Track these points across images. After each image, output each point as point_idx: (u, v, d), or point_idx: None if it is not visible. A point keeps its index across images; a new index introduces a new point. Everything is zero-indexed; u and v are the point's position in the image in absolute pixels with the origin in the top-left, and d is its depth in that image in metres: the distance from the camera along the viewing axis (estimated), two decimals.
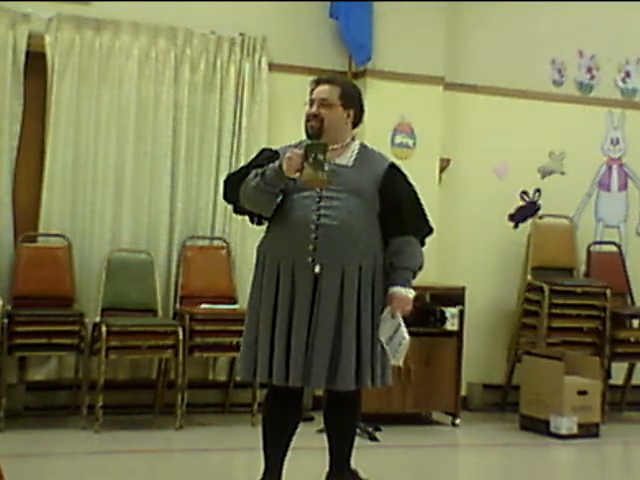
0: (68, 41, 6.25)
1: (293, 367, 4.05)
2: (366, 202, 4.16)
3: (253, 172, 4.12)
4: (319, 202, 4.10)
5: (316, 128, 4.16)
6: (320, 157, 3.93)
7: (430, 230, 4.36)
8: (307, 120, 4.20)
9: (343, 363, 4.06)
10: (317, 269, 4.08)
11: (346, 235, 4.10)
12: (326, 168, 3.96)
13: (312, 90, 4.26)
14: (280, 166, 4.02)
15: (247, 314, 4.23)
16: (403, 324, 4.20)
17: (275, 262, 4.13)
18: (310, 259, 4.08)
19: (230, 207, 4.46)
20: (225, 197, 4.35)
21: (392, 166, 4.28)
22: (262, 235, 4.30)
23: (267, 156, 4.21)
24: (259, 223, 4.28)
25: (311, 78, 4.38)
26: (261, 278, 4.17)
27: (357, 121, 4.29)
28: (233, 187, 4.22)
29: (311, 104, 4.21)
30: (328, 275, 4.08)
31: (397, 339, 4.16)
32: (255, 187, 4.07)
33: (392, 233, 4.22)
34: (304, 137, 4.23)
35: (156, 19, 6.43)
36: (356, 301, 4.11)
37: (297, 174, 4.00)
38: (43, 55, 6.21)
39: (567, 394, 6.25)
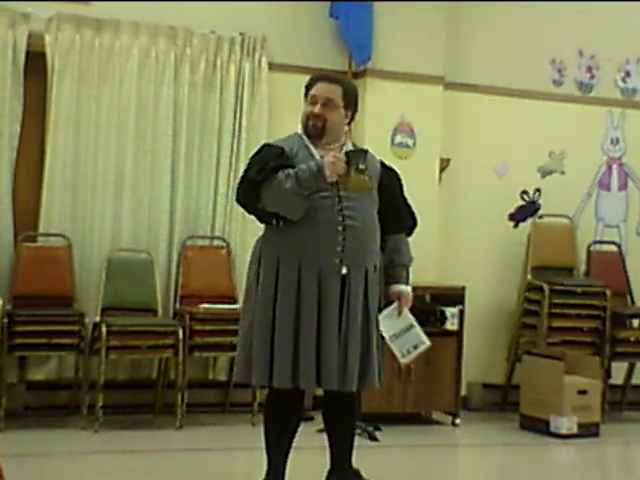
0: (68, 41, 6.25)
1: (327, 370, 4.00)
2: (373, 201, 4.20)
3: (282, 173, 3.98)
4: (340, 202, 4.07)
5: (318, 128, 4.14)
6: (362, 164, 3.95)
7: (416, 226, 4.40)
8: (307, 118, 4.17)
9: (371, 363, 4.09)
10: (344, 270, 4.06)
11: (367, 236, 4.12)
12: (368, 174, 3.98)
13: (312, 85, 4.20)
14: (319, 170, 3.94)
15: (255, 315, 4.10)
16: (418, 326, 4.27)
17: (294, 263, 4.05)
18: (338, 260, 4.05)
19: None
20: (239, 199, 4.17)
21: (384, 165, 4.35)
22: (263, 234, 4.22)
23: (277, 154, 4.10)
24: (277, 224, 4.11)
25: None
26: (274, 279, 4.07)
27: (351, 120, 4.30)
28: (253, 188, 4.05)
29: (313, 102, 4.16)
30: (355, 276, 4.08)
31: (412, 340, 4.24)
32: (289, 189, 3.94)
33: (390, 231, 4.27)
34: (299, 131, 4.22)
35: (156, 19, 6.43)
36: (374, 300, 4.16)
37: (338, 179, 3.97)
38: (43, 55, 6.21)
39: (567, 394, 6.25)
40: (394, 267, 4.27)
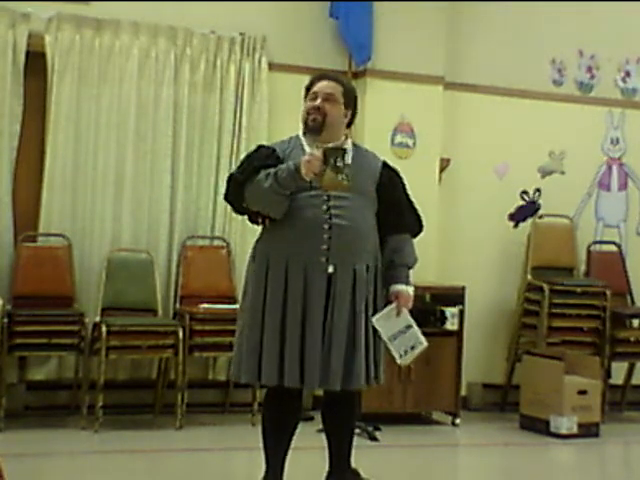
0: (68, 41, 6.25)
1: (309, 369, 4.02)
2: (369, 201, 4.20)
3: (263, 173, 4.03)
4: (328, 201, 4.08)
5: (318, 122, 4.14)
6: (340, 162, 3.93)
7: (422, 228, 4.38)
8: (307, 113, 4.18)
9: (357, 363, 4.08)
10: (330, 269, 4.07)
11: (357, 235, 4.11)
12: (347, 172, 3.95)
13: (312, 84, 4.23)
14: (296, 168, 3.96)
15: (246, 314, 4.15)
16: (416, 326, 4.25)
17: (282, 262, 4.07)
18: (324, 259, 4.06)
19: (229, 207, 4.43)
20: (227, 197, 4.25)
21: (386, 165, 4.34)
22: (259, 233, 4.25)
23: (267, 154, 4.14)
24: (263, 223, 4.18)
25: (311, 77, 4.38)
26: (264, 278, 4.10)
27: (351, 122, 4.30)
28: (237, 188, 4.12)
29: (314, 97, 4.18)
30: (341, 275, 4.08)
31: (409, 341, 4.21)
32: (268, 188, 3.98)
33: (391, 231, 4.26)
34: (300, 133, 4.22)
35: (156, 19, 6.43)
36: (365, 300, 4.14)
37: (314, 177, 3.97)
38: (43, 55, 6.21)
39: (567, 394, 6.25)
40: (394, 267, 4.25)
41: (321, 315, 4.05)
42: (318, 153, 3.96)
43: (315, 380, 4.03)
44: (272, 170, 4.02)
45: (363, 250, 4.14)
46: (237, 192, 4.13)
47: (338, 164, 3.93)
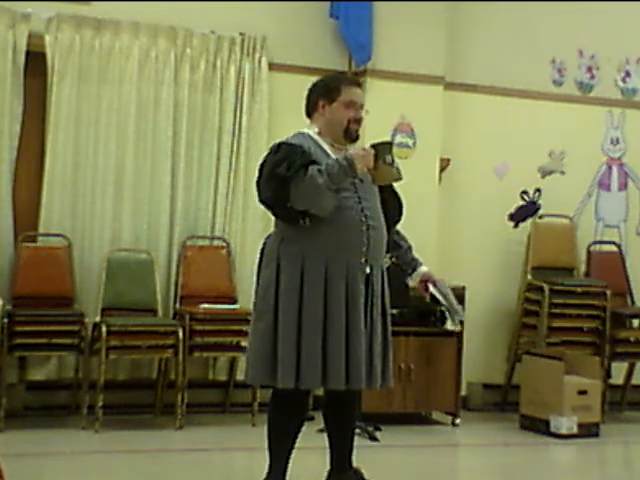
0: (68, 41, 6.25)
1: (355, 370, 4.03)
2: (378, 200, 4.26)
3: (313, 169, 3.96)
4: (360, 202, 4.12)
5: (358, 132, 4.23)
6: (389, 155, 4.08)
7: (402, 214, 4.47)
8: (349, 122, 4.17)
9: (388, 361, 4.20)
10: (368, 270, 4.12)
11: (383, 235, 4.21)
12: (397, 165, 4.10)
13: (344, 88, 4.20)
14: (349, 164, 3.98)
15: (279, 317, 4.03)
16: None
17: (321, 263, 4.04)
18: (363, 260, 4.10)
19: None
20: (270, 198, 4.03)
21: None
22: (277, 233, 4.14)
23: (301, 152, 4.04)
24: (303, 223, 4.06)
25: (327, 76, 4.50)
26: (298, 279, 4.03)
27: None
28: (284, 186, 3.96)
29: (356, 107, 4.20)
30: (376, 276, 4.16)
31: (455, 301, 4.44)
32: (322, 184, 3.94)
33: (394, 222, 4.35)
34: (310, 131, 4.20)
35: (156, 19, 6.43)
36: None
37: (367, 172, 4.06)
38: (43, 55, 6.22)
39: (567, 394, 6.25)
40: (411, 252, 4.39)
41: (363, 317, 4.08)
42: (370, 149, 4.05)
43: (362, 381, 4.06)
44: (318, 167, 3.98)
45: (384, 249, 4.23)
46: (283, 190, 3.97)
47: (390, 158, 4.06)
